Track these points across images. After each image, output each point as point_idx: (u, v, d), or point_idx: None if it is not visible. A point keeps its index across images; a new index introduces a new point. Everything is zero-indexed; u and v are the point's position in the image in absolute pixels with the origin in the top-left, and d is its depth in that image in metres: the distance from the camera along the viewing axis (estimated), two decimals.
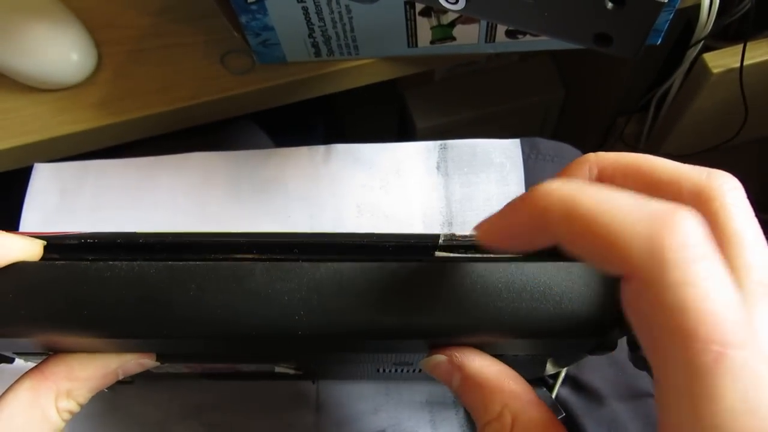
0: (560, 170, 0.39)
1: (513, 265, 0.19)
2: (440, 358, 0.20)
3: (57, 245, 0.20)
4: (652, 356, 0.15)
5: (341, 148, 0.38)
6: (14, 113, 0.41)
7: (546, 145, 0.40)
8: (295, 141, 0.39)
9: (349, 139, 0.38)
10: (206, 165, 0.38)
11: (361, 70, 0.43)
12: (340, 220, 0.36)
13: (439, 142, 0.38)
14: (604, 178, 0.19)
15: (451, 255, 0.20)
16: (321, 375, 0.33)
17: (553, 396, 0.33)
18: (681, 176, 0.18)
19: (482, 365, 0.20)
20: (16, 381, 0.21)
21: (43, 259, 0.20)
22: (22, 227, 0.36)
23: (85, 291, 0.19)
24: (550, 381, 0.33)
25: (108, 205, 0.37)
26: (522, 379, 0.20)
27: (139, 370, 0.22)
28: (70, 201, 0.37)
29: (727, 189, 0.17)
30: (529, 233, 0.17)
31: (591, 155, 0.19)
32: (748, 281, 0.16)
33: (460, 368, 0.20)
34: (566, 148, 0.41)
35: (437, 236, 0.20)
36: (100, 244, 0.20)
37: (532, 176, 0.37)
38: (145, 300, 0.19)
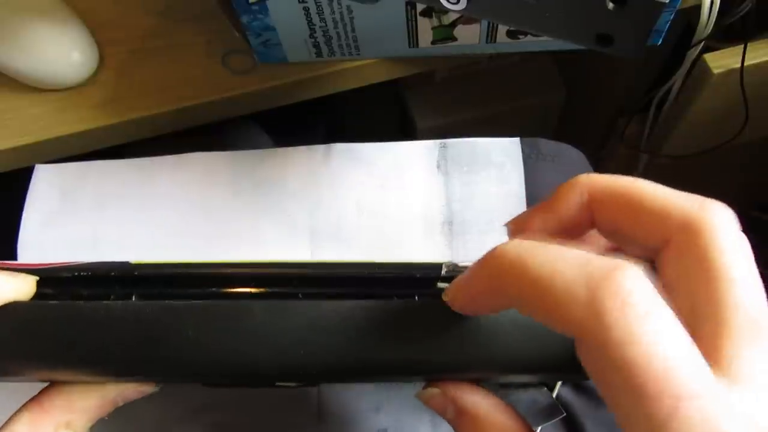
0: (561, 172, 0.39)
1: None
2: (434, 391, 0.21)
3: (51, 279, 0.20)
4: (613, 410, 0.15)
5: (341, 148, 0.38)
6: (15, 113, 0.41)
7: (546, 145, 0.40)
8: (296, 141, 0.39)
9: (349, 139, 0.38)
10: (206, 164, 0.38)
11: (362, 71, 0.43)
12: (339, 219, 0.36)
13: (439, 141, 0.38)
14: (594, 203, 0.19)
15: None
16: (322, 385, 0.33)
17: (554, 396, 0.33)
18: (670, 206, 0.17)
19: (475, 400, 0.20)
20: (14, 414, 0.20)
21: (36, 295, 0.20)
22: (23, 228, 0.36)
23: (80, 332, 0.19)
24: (551, 383, 0.33)
25: (109, 206, 0.37)
26: (515, 412, 0.20)
27: (138, 396, 0.22)
28: (71, 201, 0.37)
29: (718, 222, 0.17)
30: (490, 297, 0.17)
31: (582, 178, 0.19)
32: (736, 320, 0.16)
33: (453, 402, 0.20)
34: (567, 149, 0.41)
35: (440, 266, 0.20)
36: (94, 278, 0.20)
37: (533, 176, 0.37)
38: (142, 341, 0.19)
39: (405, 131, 0.83)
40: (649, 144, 0.69)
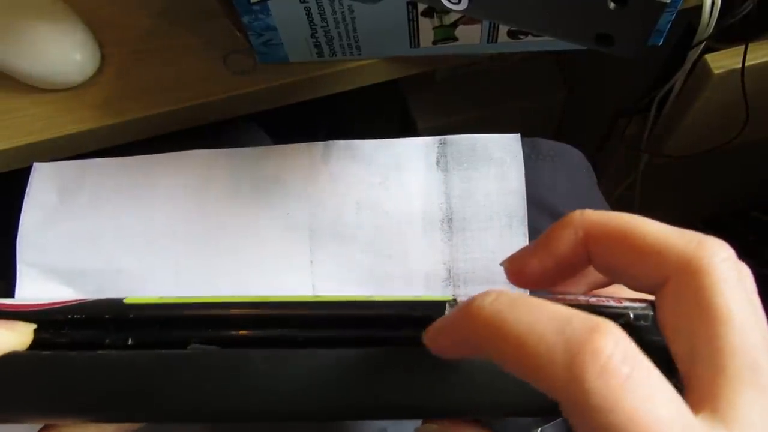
0: (561, 172, 0.39)
1: None
2: (432, 427, 0.20)
3: (45, 322, 0.20)
4: None
5: (340, 145, 0.38)
6: (17, 113, 0.41)
7: (547, 145, 0.40)
8: (297, 142, 0.39)
9: (350, 138, 0.38)
10: (205, 163, 0.38)
11: (363, 71, 0.43)
12: (339, 217, 0.36)
13: (438, 138, 0.38)
14: (590, 241, 0.18)
15: None
16: None
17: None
18: (667, 245, 0.17)
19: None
20: None
21: (33, 343, 0.20)
22: (22, 226, 0.36)
23: (74, 382, 0.19)
24: None
25: (107, 204, 0.37)
26: None
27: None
28: (70, 199, 0.37)
29: (717, 262, 0.16)
30: (468, 348, 0.17)
31: (576, 215, 0.19)
32: (733, 365, 0.15)
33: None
34: (567, 149, 0.41)
35: (443, 305, 0.20)
36: (88, 320, 0.20)
37: (533, 176, 0.37)
38: (136, 393, 0.19)
39: (406, 131, 0.83)
40: (650, 144, 0.69)
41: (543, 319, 0.15)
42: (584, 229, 0.18)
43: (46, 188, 0.37)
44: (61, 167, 0.38)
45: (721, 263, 0.16)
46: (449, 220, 0.36)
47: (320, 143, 0.38)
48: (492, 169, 0.37)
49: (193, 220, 0.36)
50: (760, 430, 0.15)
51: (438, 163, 0.37)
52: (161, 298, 0.20)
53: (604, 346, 0.14)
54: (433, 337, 0.18)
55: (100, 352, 0.19)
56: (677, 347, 0.15)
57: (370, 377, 0.18)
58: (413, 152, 0.38)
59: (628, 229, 0.18)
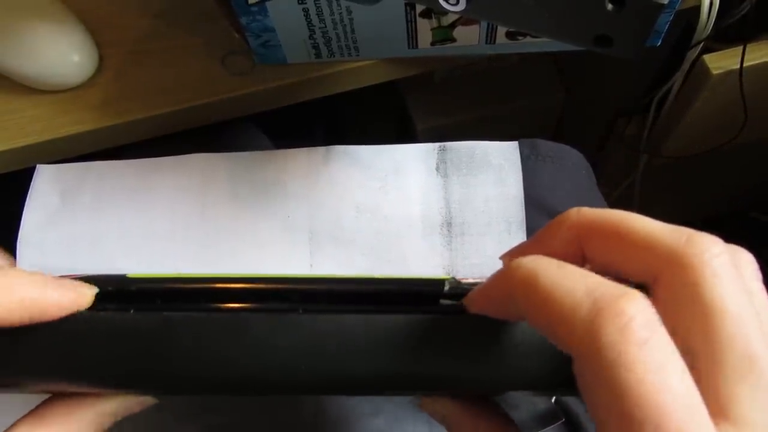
0: (560, 172, 0.39)
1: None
2: (425, 400, 0.21)
3: None
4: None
5: (340, 150, 0.38)
6: (15, 114, 0.41)
7: (546, 146, 0.40)
8: (296, 143, 0.39)
9: (349, 140, 0.38)
10: (205, 166, 0.38)
11: (361, 72, 0.43)
12: (339, 222, 0.36)
13: (438, 144, 0.38)
14: (583, 238, 0.19)
15: (455, 303, 0.20)
16: None
17: (552, 401, 0.33)
18: (658, 240, 0.17)
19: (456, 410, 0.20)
20: (12, 426, 0.20)
21: None
22: (23, 228, 0.36)
23: (79, 345, 0.19)
24: None
25: (109, 207, 0.37)
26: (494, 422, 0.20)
27: (138, 409, 0.22)
28: (71, 202, 0.37)
29: (708, 258, 0.16)
30: (505, 304, 0.18)
31: (572, 213, 0.19)
32: (730, 357, 0.15)
33: (443, 408, 0.21)
34: (566, 149, 0.41)
35: (442, 283, 0.20)
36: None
37: (532, 177, 0.38)
38: (140, 355, 0.18)
39: (404, 132, 0.83)
40: (649, 144, 0.69)
41: (575, 278, 0.16)
42: (579, 226, 0.19)
43: (48, 190, 0.37)
44: (63, 169, 0.38)
45: (711, 259, 0.16)
46: (448, 224, 0.36)
47: (320, 148, 0.38)
48: (491, 176, 0.37)
49: (193, 224, 0.36)
50: (759, 422, 0.15)
51: (438, 168, 0.37)
52: (163, 273, 0.20)
53: (628, 308, 0.15)
54: (475, 297, 0.19)
55: (103, 313, 0.19)
56: (677, 343, 0.15)
57: (373, 342, 0.19)
58: (413, 158, 0.38)
59: (620, 225, 0.18)
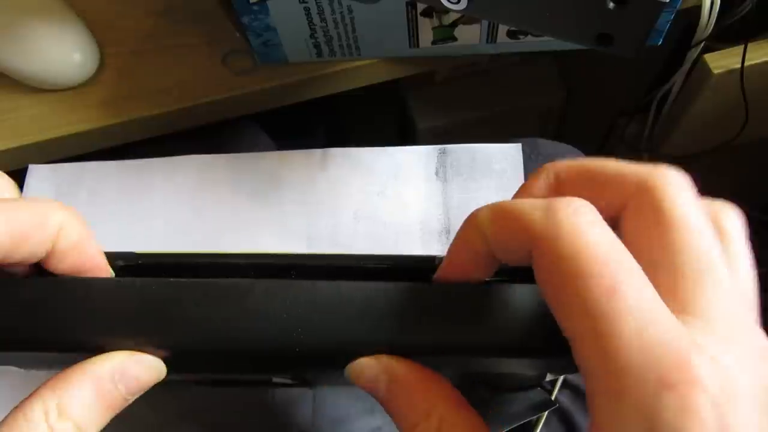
0: None
1: (504, 287, 0.19)
2: (367, 361, 0.20)
3: None
4: (560, 315, 0.16)
5: (339, 153, 0.38)
6: (16, 113, 0.41)
7: (546, 145, 0.40)
8: (297, 141, 0.39)
9: (349, 139, 0.38)
10: (202, 168, 0.38)
11: (362, 71, 0.43)
12: (336, 226, 0.36)
13: (438, 147, 0.37)
14: (560, 183, 0.20)
15: None
16: (318, 383, 0.33)
17: (552, 398, 0.33)
18: (626, 171, 0.19)
19: (409, 368, 0.20)
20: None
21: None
22: None
23: (84, 306, 0.19)
24: (548, 387, 0.33)
25: (103, 208, 0.37)
26: (448, 383, 0.20)
27: (139, 377, 0.21)
28: (66, 202, 0.37)
29: (671, 180, 0.18)
30: (474, 251, 0.19)
31: (549, 164, 0.21)
32: (687, 261, 0.16)
33: (386, 371, 0.20)
34: (567, 149, 0.41)
35: (433, 258, 0.20)
36: None
37: None
38: (143, 314, 0.19)
39: (405, 131, 0.83)
40: (649, 144, 0.69)
41: (534, 197, 0.18)
42: (555, 172, 0.20)
43: (43, 190, 0.37)
44: (57, 169, 0.37)
45: (674, 181, 0.18)
46: (447, 231, 0.36)
47: (318, 150, 0.38)
48: (492, 181, 0.36)
49: (189, 225, 0.36)
50: (719, 317, 0.16)
51: (437, 173, 0.37)
52: (171, 250, 0.21)
53: (579, 201, 0.17)
54: (443, 267, 0.20)
55: (111, 278, 0.20)
56: (641, 262, 0.16)
57: (368, 307, 0.19)
58: (412, 161, 0.37)
59: (590, 165, 0.19)
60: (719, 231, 0.18)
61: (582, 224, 0.16)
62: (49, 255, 0.19)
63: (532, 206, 0.17)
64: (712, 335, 0.15)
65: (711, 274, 0.16)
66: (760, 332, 0.16)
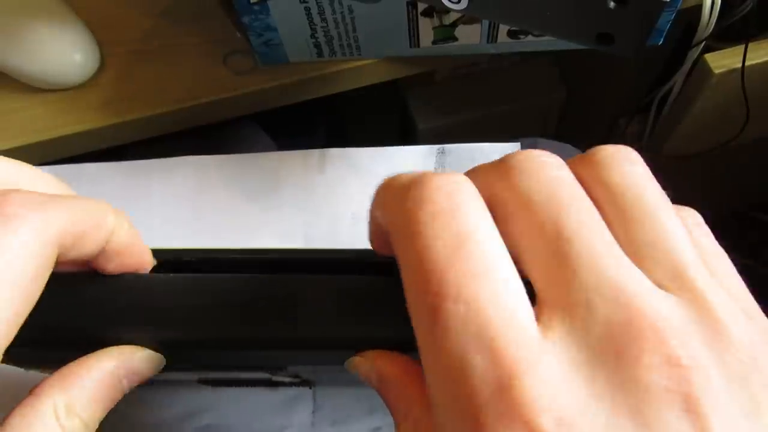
0: None
1: None
2: (359, 359, 0.20)
3: None
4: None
5: (337, 153, 0.37)
6: (17, 113, 0.41)
7: (547, 145, 0.40)
8: (297, 141, 0.39)
9: (350, 139, 0.38)
10: (200, 169, 0.38)
11: (362, 71, 0.43)
12: (334, 228, 0.36)
13: (437, 147, 0.37)
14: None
15: None
16: (318, 382, 0.33)
17: None
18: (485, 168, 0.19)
19: (395, 363, 0.20)
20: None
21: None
22: None
23: (81, 299, 0.20)
24: None
25: None
26: None
27: (143, 371, 0.21)
28: None
29: (612, 152, 0.17)
30: (380, 225, 0.19)
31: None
32: (540, 245, 0.16)
33: (375, 369, 0.20)
34: (567, 149, 0.41)
35: None
36: None
37: None
38: (136, 305, 0.20)
39: (405, 131, 0.83)
40: (650, 144, 0.69)
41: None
42: None
43: None
44: (55, 171, 0.37)
45: (615, 154, 0.18)
46: None
47: (316, 151, 0.38)
48: None
49: (187, 227, 0.36)
50: (580, 302, 0.14)
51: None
52: (173, 247, 0.22)
53: (428, 185, 0.16)
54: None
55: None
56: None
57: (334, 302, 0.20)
58: (411, 161, 0.37)
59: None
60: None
61: (421, 221, 0.16)
62: (98, 255, 0.20)
63: (393, 188, 0.17)
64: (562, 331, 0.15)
65: (569, 254, 0.15)
66: None
